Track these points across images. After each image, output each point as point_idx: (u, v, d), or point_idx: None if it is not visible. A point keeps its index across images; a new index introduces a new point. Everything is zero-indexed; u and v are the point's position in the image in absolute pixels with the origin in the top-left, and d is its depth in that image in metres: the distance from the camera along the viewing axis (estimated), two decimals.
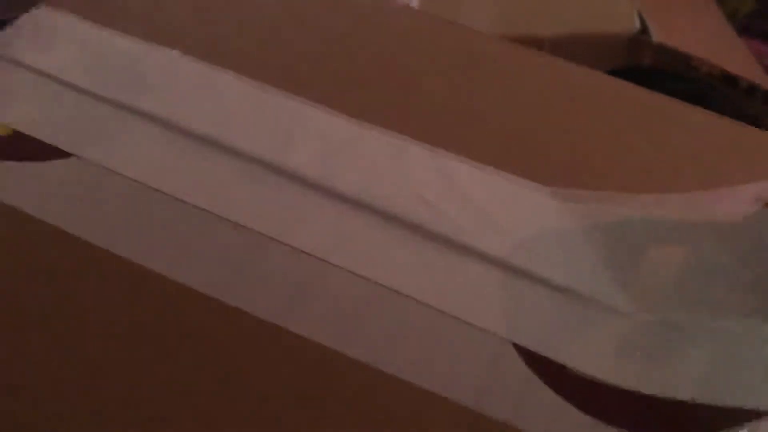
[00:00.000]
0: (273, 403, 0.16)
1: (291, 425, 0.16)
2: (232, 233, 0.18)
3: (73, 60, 0.22)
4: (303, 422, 0.16)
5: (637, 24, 0.94)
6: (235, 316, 0.17)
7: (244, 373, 0.17)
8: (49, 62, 0.21)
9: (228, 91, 0.21)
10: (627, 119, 0.23)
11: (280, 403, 0.16)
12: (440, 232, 0.19)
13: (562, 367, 0.16)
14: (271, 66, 0.21)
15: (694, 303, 0.16)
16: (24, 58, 0.21)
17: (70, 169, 0.20)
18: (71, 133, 0.20)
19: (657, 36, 0.93)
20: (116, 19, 0.23)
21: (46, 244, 0.18)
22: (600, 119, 0.22)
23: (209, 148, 0.20)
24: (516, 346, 0.16)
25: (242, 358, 0.17)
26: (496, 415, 0.16)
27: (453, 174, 0.20)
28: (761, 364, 0.15)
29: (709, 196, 0.19)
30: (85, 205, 0.19)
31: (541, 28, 0.97)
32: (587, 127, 0.21)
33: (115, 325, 0.18)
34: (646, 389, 0.16)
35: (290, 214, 0.19)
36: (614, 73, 0.92)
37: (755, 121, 0.93)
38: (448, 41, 0.25)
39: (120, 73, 0.22)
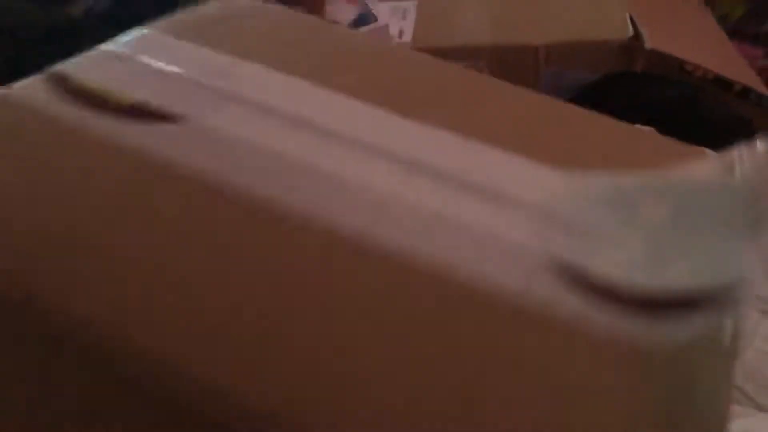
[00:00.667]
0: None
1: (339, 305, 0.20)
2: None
3: (175, 61, 0.28)
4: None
5: (630, 30, 0.96)
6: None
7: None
8: (156, 61, 0.27)
9: (299, 88, 0.27)
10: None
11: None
12: (478, 184, 0.24)
13: (586, 273, 0.20)
14: (326, 80, 0.28)
15: (680, 230, 0.22)
16: (141, 59, 0.27)
17: (182, 127, 0.25)
18: (180, 105, 0.25)
19: (649, 42, 0.95)
20: (208, 42, 0.29)
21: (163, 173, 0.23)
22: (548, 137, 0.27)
23: (289, 121, 0.25)
24: (551, 259, 0.21)
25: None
26: (536, 301, 0.20)
27: (482, 151, 0.25)
28: (724, 261, 0.20)
29: (681, 168, 0.24)
30: (198, 149, 0.24)
31: (535, 37, 0.99)
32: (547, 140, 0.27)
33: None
34: (637, 286, 0.21)
35: (352, 161, 0.24)
36: (608, 76, 0.94)
37: (748, 123, 0.95)
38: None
39: (215, 72, 0.27)
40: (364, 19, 0.99)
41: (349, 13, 0.99)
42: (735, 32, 1.36)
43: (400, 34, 1.03)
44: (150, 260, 0.21)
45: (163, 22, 0.31)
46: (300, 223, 0.22)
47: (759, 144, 0.25)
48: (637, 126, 0.72)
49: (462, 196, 0.24)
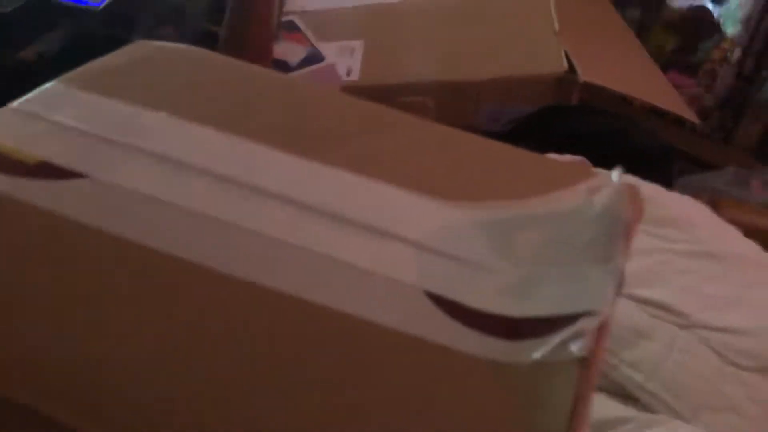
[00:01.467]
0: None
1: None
2: (211, 225, 0.25)
3: (80, 117, 0.28)
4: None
5: (565, 64, 1.01)
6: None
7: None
8: (63, 118, 0.28)
9: (201, 135, 0.28)
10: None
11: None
12: (365, 223, 0.26)
13: (457, 304, 0.24)
14: (233, 123, 0.29)
15: (545, 259, 0.24)
16: (47, 115, 0.28)
17: (85, 185, 0.26)
18: (81, 160, 0.26)
19: (582, 75, 1.00)
20: (115, 93, 0.30)
21: (72, 233, 0.24)
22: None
23: (188, 171, 0.27)
24: (426, 292, 0.23)
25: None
26: (415, 331, 0.23)
27: (374, 188, 0.27)
28: (576, 289, 0.23)
29: (554, 195, 0.27)
30: (100, 208, 0.25)
31: (476, 73, 1.04)
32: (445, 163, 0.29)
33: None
34: (506, 312, 0.24)
35: (248, 207, 0.25)
36: (544, 109, 0.99)
37: (672, 150, 1.00)
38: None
39: (119, 124, 0.28)
40: (312, 58, 1.03)
41: (297, 54, 1.02)
42: (669, 63, 1.43)
43: (348, 72, 1.06)
44: (58, 308, 0.22)
45: (75, 73, 0.32)
46: (193, 273, 0.23)
47: (614, 174, 0.29)
48: (567, 156, 0.77)
49: (349, 236, 0.26)
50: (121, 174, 0.26)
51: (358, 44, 1.08)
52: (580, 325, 0.23)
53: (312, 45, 1.04)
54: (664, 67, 1.40)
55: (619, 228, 0.27)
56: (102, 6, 0.93)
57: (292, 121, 0.32)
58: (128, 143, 0.28)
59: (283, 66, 0.98)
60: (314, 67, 1.01)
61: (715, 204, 0.92)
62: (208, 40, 1.15)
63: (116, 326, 0.22)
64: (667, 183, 0.92)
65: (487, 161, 0.32)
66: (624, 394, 0.50)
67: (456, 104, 1.05)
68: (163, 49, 0.34)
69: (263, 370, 0.22)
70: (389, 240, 0.26)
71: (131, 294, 0.23)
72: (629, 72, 1.15)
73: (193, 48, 0.35)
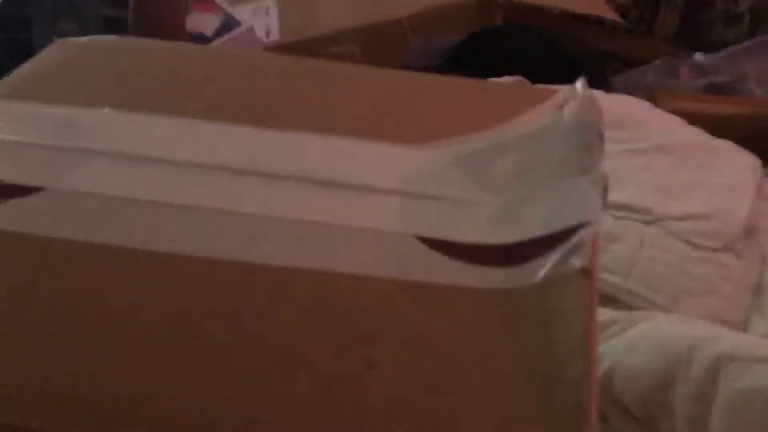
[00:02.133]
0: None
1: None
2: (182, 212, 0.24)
3: (21, 129, 0.27)
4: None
5: None
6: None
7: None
8: (1, 134, 0.26)
9: (149, 124, 0.27)
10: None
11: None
12: (339, 181, 0.26)
13: (449, 242, 0.24)
14: (174, 105, 0.28)
15: (526, 182, 0.25)
16: None
17: (44, 198, 0.24)
18: (34, 174, 0.25)
19: None
20: (51, 97, 0.28)
21: (47, 249, 0.22)
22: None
23: (146, 164, 0.25)
24: (416, 236, 0.23)
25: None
26: (415, 277, 0.23)
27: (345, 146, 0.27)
28: (564, 204, 0.23)
29: (520, 118, 0.27)
30: (66, 218, 0.24)
31: (396, 12, 1.02)
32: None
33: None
34: (498, 240, 0.24)
35: (217, 189, 0.25)
36: (471, 36, 0.98)
37: (603, 54, 1.01)
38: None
39: (63, 129, 0.27)
40: (228, 25, 0.99)
41: (211, 23, 0.98)
42: None
43: (267, 33, 1.03)
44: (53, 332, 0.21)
45: (2, 83, 0.30)
46: (180, 264, 0.23)
47: (579, 84, 0.29)
48: (505, 78, 0.77)
49: (327, 197, 0.25)
50: (77, 180, 0.25)
51: (271, 2, 1.04)
52: (578, 237, 0.23)
53: (225, 11, 1.00)
54: None
55: (593, 136, 0.27)
56: None
57: (236, 93, 0.31)
58: (78, 147, 0.26)
59: (200, 38, 0.94)
60: (232, 34, 0.97)
61: (652, 97, 0.93)
62: (112, 27, 1.10)
63: (115, 334, 0.22)
64: (604, 86, 0.93)
65: (440, 97, 0.32)
66: (604, 298, 0.52)
67: (382, 46, 1.03)
68: (87, 45, 0.33)
69: (276, 346, 0.22)
70: (367, 193, 0.26)
71: (123, 298, 0.22)
72: None
73: (115, 38, 0.34)
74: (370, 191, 0.26)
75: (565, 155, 0.27)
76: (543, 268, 0.23)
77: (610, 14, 1.20)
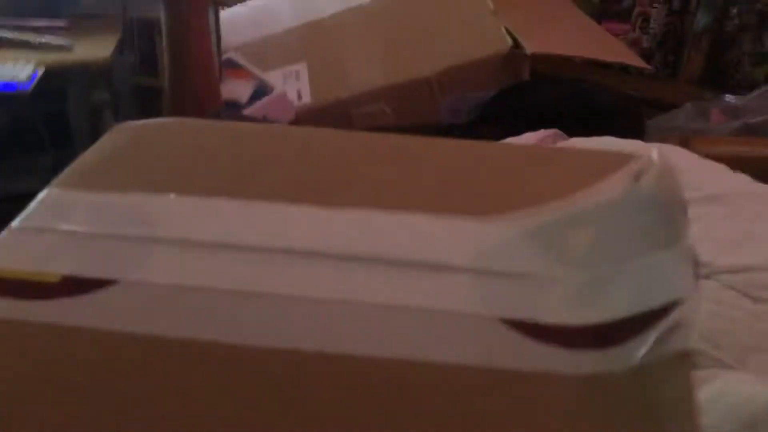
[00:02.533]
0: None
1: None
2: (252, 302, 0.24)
3: (90, 219, 0.27)
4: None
5: (509, 41, 1.01)
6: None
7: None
8: (72, 225, 0.26)
9: (213, 208, 0.27)
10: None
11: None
12: (408, 260, 0.25)
13: (534, 324, 0.23)
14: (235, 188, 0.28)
15: (607, 256, 0.23)
16: (53, 226, 0.26)
17: (117, 291, 0.24)
18: (107, 266, 0.25)
19: (529, 47, 1.01)
20: (115, 185, 0.28)
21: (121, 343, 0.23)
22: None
23: (213, 251, 0.25)
24: (500, 318, 0.23)
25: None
26: (504, 365, 0.22)
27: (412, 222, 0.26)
28: (654, 280, 0.22)
29: (592, 190, 0.26)
30: (134, 311, 0.23)
31: (424, 70, 1.03)
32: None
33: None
34: (588, 321, 0.23)
35: (283, 273, 0.24)
36: (502, 90, 0.99)
37: (633, 100, 1.01)
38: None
39: (131, 218, 0.27)
40: (261, 91, 1.01)
41: (245, 90, 1.00)
42: (600, 14, 1.45)
43: (299, 96, 1.05)
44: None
45: (66, 175, 0.30)
46: (259, 356, 0.22)
47: (653, 152, 0.28)
48: (540, 131, 0.76)
49: (398, 278, 0.24)
50: (149, 270, 0.25)
51: (301, 66, 1.06)
52: (674, 316, 0.22)
53: (257, 77, 1.02)
54: (598, 18, 1.42)
55: (676, 206, 0.26)
56: (31, 87, 0.90)
57: (296, 172, 0.30)
58: (146, 236, 0.26)
59: (234, 105, 0.96)
60: (266, 99, 0.99)
61: (686, 142, 0.93)
62: (145, 96, 1.12)
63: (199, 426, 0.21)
64: (641, 134, 0.93)
65: (506, 166, 0.31)
66: None
67: (413, 104, 1.04)
68: (145, 128, 0.32)
69: None
70: (440, 272, 0.24)
71: (202, 392, 0.22)
72: (570, 33, 1.15)
73: (174, 120, 0.34)
74: (442, 270, 0.24)
75: (648, 227, 0.26)
76: (639, 350, 0.22)
77: (636, 60, 1.21)
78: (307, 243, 0.26)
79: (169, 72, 0.95)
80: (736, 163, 0.72)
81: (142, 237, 0.26)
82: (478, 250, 0.25)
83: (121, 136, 0.33)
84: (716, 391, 0.44)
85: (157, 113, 0.96)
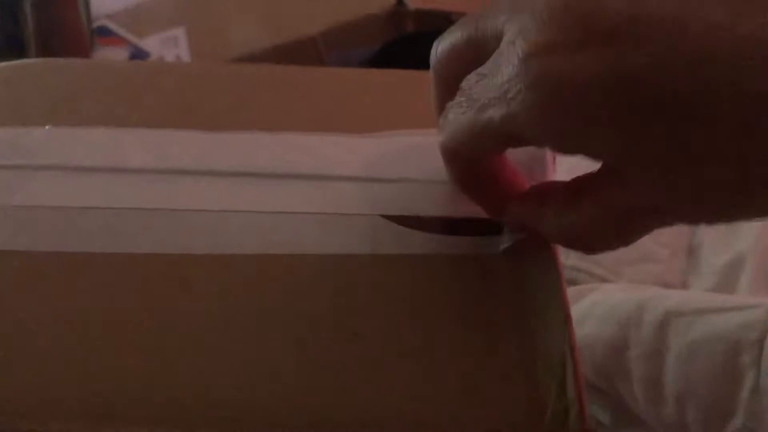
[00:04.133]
0: None
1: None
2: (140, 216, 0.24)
3: None
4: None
5: None
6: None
7: None
8: None
9: (92, 137, 0.27)
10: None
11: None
12: (298, 173, 0.26)
13: (416, 217, 0.25)
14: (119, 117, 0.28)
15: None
16: None
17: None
18: None
19: (412, 3, 1.01)
20: None
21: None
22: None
23: (93, 174, 0.25)
24: (385, 216, 0.24)
25: None
26: (387, 251, 0.23)
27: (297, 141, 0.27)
28: None
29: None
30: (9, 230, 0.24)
31: (309, 29, 1.02)
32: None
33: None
34: (466, 214, 0.25)
35: (181, 190, 0.25)
36: (385, 45, 0.99)
37: None
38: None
39: (4, 150, 0.26)
40: (136, 57, 0.97)
41: (119, 57, 0.96)
42: None
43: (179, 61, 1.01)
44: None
45: None
46: (145, 259, 0.22)
47: None
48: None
49: (291, 190, 0.26)
50: (21, 196, 0.25)
51: (179, 31, 1.02)
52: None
53: (132, 44, 0.98)
54: None
55: None
56: None
57: (178, 101, 0.29)
58: (19, 164, 0.26)
59: None
60: None
61: None
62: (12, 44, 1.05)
63: (95, 336, 0.21)
64: None
65: (388, 93, 0.32)
66: None
67: (300, 63, 1.02)
68: (19, 67, 0.32)
69: (262, 327, 0.21)
70: (332, 182, 0.26)
71: (96, 301, 0.22)
72: None
73: (48, 60, 0.34)
74: (334, 179, 0.26)
75: None
76: (512, 236, 0.24)
77: None
78: (192, 164, 0.26)
79: (37, 45, 0.89)
80: None
81: (14, 166, 0.26)
82: (365, 160, 0.27)
83: None
84: (594, 300, 0.46)
85: None
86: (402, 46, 0.99)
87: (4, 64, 0.32)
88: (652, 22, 0.17)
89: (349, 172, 0.26)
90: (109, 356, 0.20)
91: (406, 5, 1.03)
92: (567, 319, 0.22)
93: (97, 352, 0.20)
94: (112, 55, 0.95)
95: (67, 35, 0.87)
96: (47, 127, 0.27)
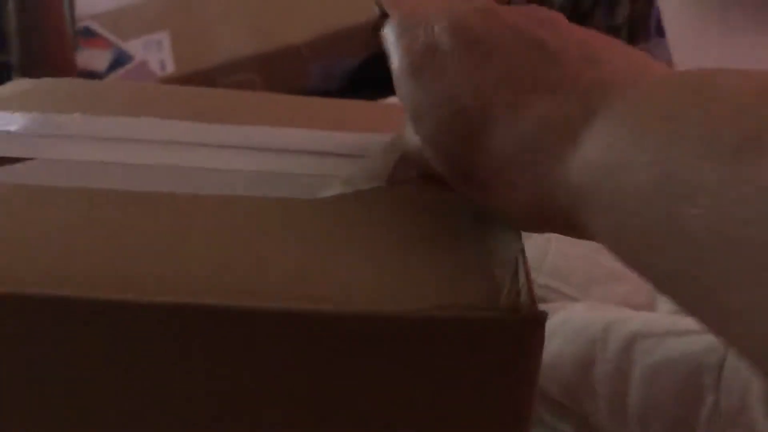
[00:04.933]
0: None
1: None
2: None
3: (10, 123, 0.33)
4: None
5: (376, 9, 1.02)
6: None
7: None
8: None
9: (115, 121, 0.34)
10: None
11: None
12: (268, 147, 0.32)
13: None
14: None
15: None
16: None
17: (36, 163, 0.30)
18: (25, 150, 0.31)
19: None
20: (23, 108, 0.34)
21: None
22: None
23: (117, 143, 0.32)
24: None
25: None
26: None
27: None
28: None
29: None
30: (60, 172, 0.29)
31: (294, 38, 1.03)
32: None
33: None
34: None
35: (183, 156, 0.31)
36: (368, 57, 1.00)
37: None
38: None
39: (40, 125, 0.33)
40: (121, 60, 0.97)
41: (102, 59, 0.95)
42: None
43: (163, 66, 1.01)
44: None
45: None
46: (158, 197, 0.28)
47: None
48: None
49: (255, 155, 0.31)
50: (65, 152, 0.31)
51: (164, 35, 1.02)
52: None
53: (115, 46, 0.98)
54: None
55: None
56: None
57: (181, 111, 0.34)
58: (57, 134, 0.32)
59: (92, 76, 0.91)
60: (125, 68, 0.95)
61: None
62: None
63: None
64: None
65: (336, 119, 0.35)
66: None
67: (282, 73, 1.03)
68: (44, 82, 0.38)
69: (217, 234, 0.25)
70: (288, 154, 0.31)
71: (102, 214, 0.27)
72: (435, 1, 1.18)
73: (65, 78, 0.39)
74: (306, 153, 0.32)
75: None
76: None
77: None
78: (192, 138, 0.32)
79: (20, 43, 0.89)
80: None
81: (54, 135, 0.33)
82: (336, 143, 0.32)
83: (18, 85, 0.38)
84: (562, 318, 0.47)
85: None
86: (386, 57, 0.99)
87: (28, 80, 0.38)
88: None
89: (325, 149, 0.31)
90: (131, 239, 0.25)
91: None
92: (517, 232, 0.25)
93: (121, 236, 0.25)
94: (96, 57, 0.95)
95: (49, 35, 0.87)
96: (76, 114, 0.34)
